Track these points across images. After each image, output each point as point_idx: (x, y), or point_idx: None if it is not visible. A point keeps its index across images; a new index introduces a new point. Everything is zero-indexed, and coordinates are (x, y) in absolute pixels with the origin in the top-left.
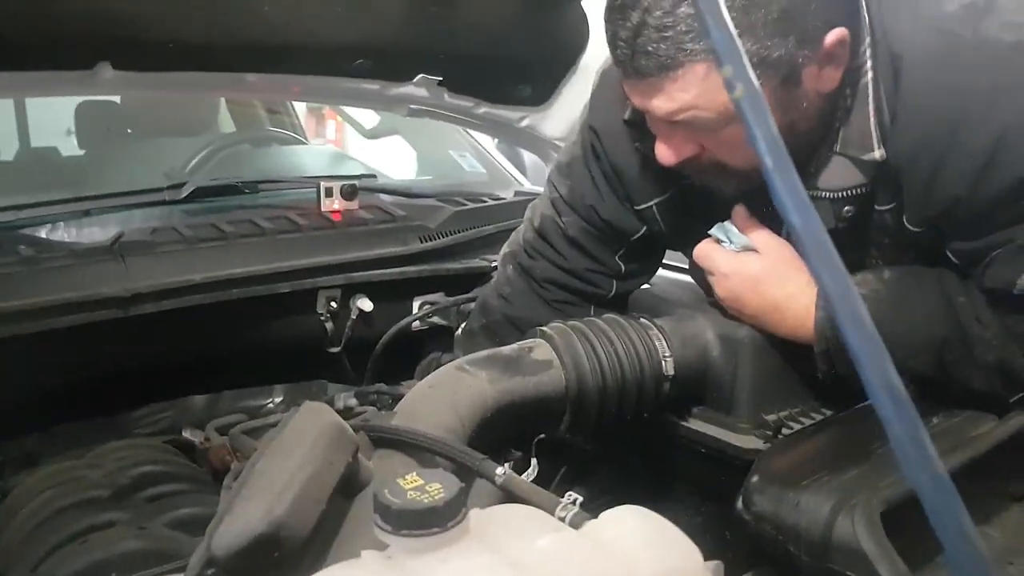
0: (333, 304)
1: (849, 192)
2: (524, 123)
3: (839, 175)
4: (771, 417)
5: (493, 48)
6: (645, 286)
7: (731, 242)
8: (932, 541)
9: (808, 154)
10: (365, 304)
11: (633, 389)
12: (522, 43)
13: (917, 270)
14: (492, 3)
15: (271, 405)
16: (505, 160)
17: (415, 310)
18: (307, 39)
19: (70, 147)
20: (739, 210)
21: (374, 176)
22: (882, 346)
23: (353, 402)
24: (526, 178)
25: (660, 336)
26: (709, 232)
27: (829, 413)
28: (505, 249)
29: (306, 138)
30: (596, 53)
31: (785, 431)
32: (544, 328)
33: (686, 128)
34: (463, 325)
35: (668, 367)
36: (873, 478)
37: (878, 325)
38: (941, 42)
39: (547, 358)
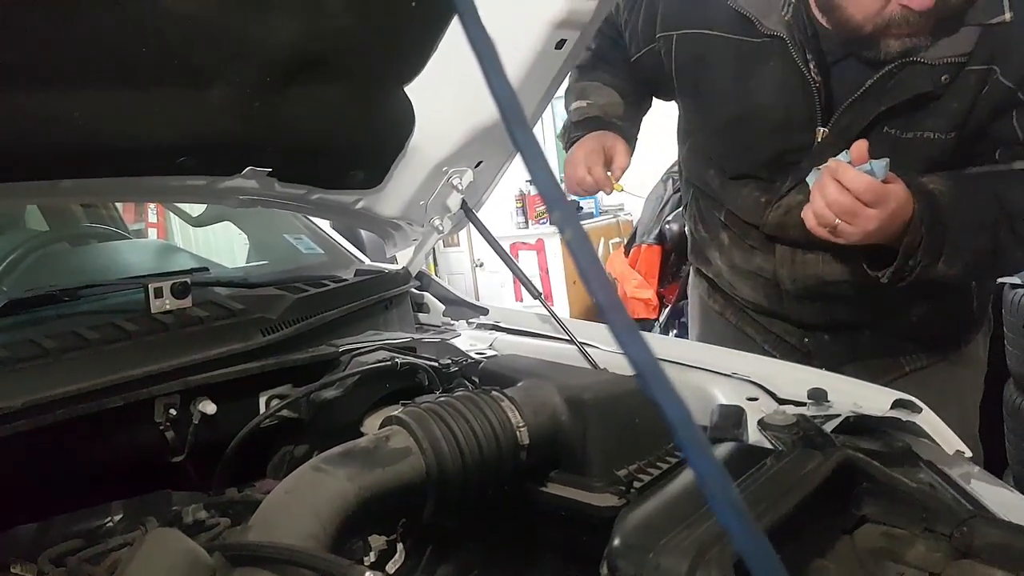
0: (172, 411)
1: (951, 59)
2: (360, 205)
3: (948, 45)
4: (622, 472)
5: (323, 137)
6: (494, 356)
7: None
8: None
9: (945, 27)
10: (208, 407)
11: (492, 464)
12: (351, 131)
13: (962, 174)
14: (318, 95)
15: (110, 524)
16: (342, 239)
17: (262, 406)
18: (123, 142)
19: None
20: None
21: (206, 269)
22: (696, 431)
23: (203, 515)
24: (366, 255)
25: (512, 407)
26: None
27: (674, 460)
28: None
29: (127, 229)
30: (423, 135)
31: (637, 483)
32: (399, 415)
33: None
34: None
35: (523, 437)
36: (722, 530)
37: (953, 212)
38: None
39: (405, 445)
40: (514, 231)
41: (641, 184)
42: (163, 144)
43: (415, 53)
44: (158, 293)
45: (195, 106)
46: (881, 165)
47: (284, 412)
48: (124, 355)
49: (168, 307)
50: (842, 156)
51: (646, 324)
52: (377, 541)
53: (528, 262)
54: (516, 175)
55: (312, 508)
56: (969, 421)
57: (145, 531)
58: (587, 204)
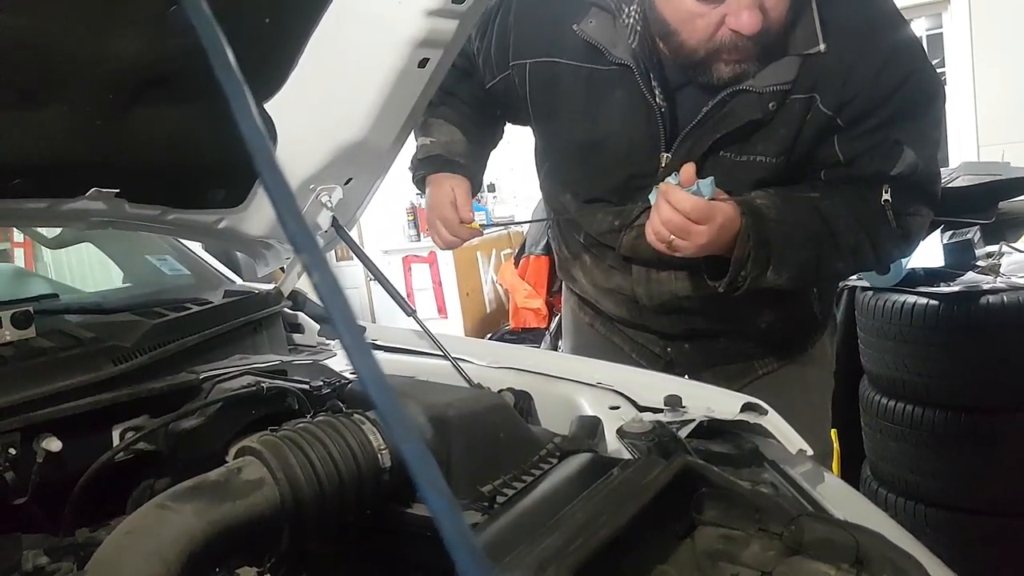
0: (12, 451)
1: (775, 88)
2: (223, 225)
3: (772, 74)
4: (487, 488)
5: (174, 156)
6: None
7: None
8: None
9: (769, 54)
10: (52, 444)
11: (352, 489)
12: (206, 149)
13: (788, 190)
14: (167, 113)
15: None
16: (212, 259)
17: (116, 439)
18: None
19: None
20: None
21: (55, 296)
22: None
23: (44, 560)
24: (239, 275)
25: (374, 429)
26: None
27: (538, 472)
28: None
29: None
30: (287, 152)
31: (500, 498)
32: (253, 444)
33: None
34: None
35: (385, 459)
36: (563, 544)
37: (778, 225)
38: None
39: (258, 476)
40: (406, 244)
41: (529, 196)
42: None
43: (272, 71)
44: None
45: (28, 126)
46: (707, 184)
47: (141, 445)
48: None
49: (8, 338)
50: (672, 179)
51: (536, 333)
52: (248, 573)
53: (421, 275)
54: (405, 189)
55: (155, 547)
56: (820, 416)
57: None
58: (478, 215)
